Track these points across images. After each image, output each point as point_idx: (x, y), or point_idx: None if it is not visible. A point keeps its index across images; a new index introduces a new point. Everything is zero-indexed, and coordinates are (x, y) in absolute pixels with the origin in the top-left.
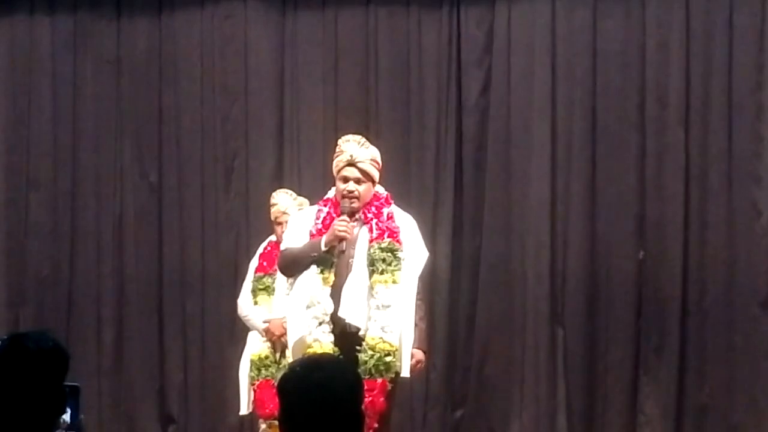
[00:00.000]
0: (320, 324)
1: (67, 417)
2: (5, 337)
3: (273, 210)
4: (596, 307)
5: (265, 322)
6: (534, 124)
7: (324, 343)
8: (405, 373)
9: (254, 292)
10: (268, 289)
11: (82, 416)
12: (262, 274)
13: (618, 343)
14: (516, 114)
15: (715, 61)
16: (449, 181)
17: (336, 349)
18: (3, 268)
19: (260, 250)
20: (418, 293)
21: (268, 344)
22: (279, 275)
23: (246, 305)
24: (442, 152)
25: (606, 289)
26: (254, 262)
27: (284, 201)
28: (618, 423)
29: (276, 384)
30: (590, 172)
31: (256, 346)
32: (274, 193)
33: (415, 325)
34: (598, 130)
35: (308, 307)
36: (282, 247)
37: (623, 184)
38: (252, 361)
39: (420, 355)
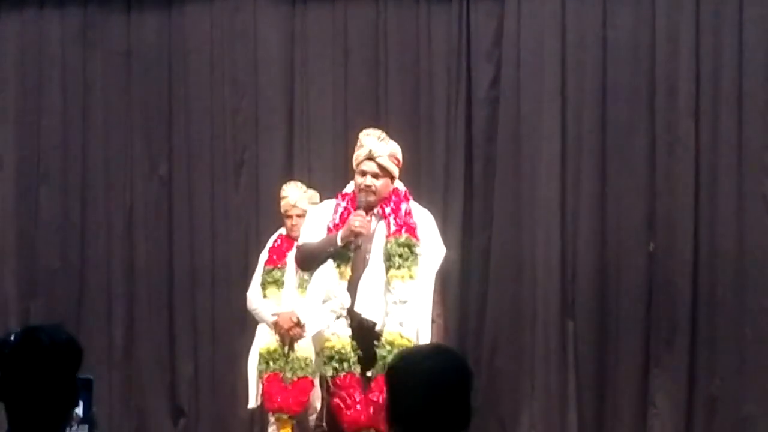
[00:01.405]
0: (338, 318)
1: (79, 410)
2: (19, 330)
3: (283, 203)
4: (606, 300)
5: (273, 315)
6: (544, 116)
7: (342, 336)
8: None
9: (264, 285)
10: (278, 283)
11: (94, 409)
12: (271, 267)
13: (628, 335)
14: (526, 107)
15: (724, 53)
16: (459, 173)
17: (354, 343)
18: (14, 261)
19: (270, 243)
20: (435, 290)
21: (277, 337)
22: (288, 268)
23: (255, 298)
24: (451, 145)
25: (616, 281)
26: (264, 255)
27: (294, 194)
28: (628, 415)
29: (385, 373)
30: (600, 165)
31: (264, 339)
32: (284, 186)
33: (433, 321)
34: (608, 123)
35: (325, 301)
36: (299, 242)
37: (633, 176)
38: (261, 355)
39: None
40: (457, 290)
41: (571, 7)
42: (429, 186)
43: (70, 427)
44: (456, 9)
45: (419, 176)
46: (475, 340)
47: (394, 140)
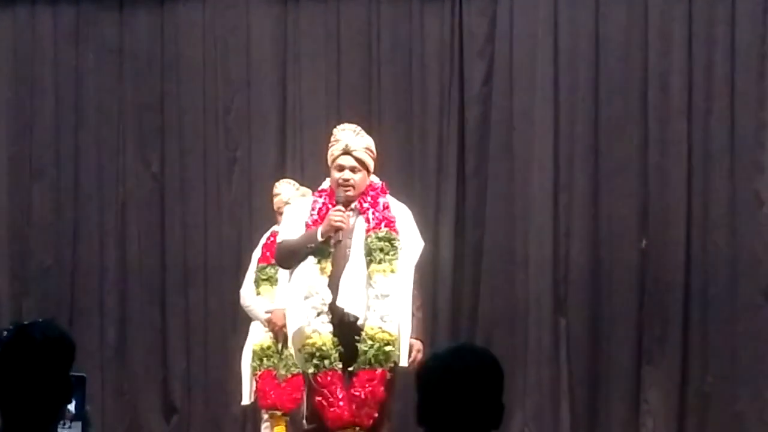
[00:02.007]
0: (319, 314)
1: (72, 407)
2: (11, 326)
3: (276, 200)
4: (599, 297)
5: (267, 312)
6: (536, 113)
7: (323, 333)
8: (403, 362)
9: (257, 282)
10: (271, 280)
11: (87, 407)
12: (264, 264)
13: (621, 332)
14: (518, 103)
15: (717, 50)
16: (452, 170)
17: (335, 339)
18: (6, 259)
19: (263, 240)
20: (414, 283)
21: (271, 334)
22: None
23: (249, 295)
24: (444, 142)
25: (609, 278)
26: (257, 253)
27: (287, 191)
28: (621, 411)
29: (417, 373)
30: (593, 162)
31: (258, 336)
32: (276, 184)
33: (412, 314)
34: (601, 120)
35: (306, 297)
36: (278, 239)
37: (626, 173)
38: (254, 352)
39: (418, 345)
40: (450, 287)
41: (563, 4)
42: (422, 183)
43: (64, 424)
44: (448, 6)
45: (412, 173)
46: (468, 336)
47: (388, 137)
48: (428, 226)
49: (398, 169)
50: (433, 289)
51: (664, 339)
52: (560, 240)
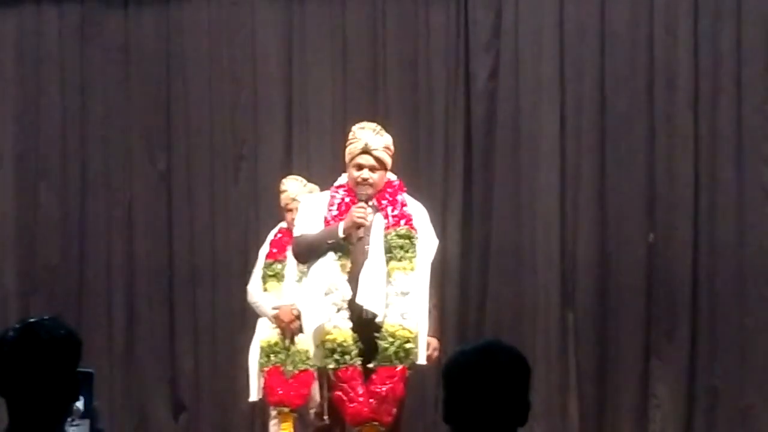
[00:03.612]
0: (339, 310)
1: (80, 404)
2: (17, 324)
3: (283, 196)
4: (607, 291)
5: (274, 308)
6: (543, 108)
7: (343, 329)
8: (422, 360)
9: (264, 278)
10: (278, 276)
11: (95, 403)
12: (272, 260)
13: (629, 326)
14: (524, 98)
15: (723, 43)
16: (458, 166)
17: (355, 335)
18: (13, 258)
19: (270, 236)
20: (430, 281)
21: (278, 331)
22: (289, 262)
23: (256, 292)
24: (450, 137)
25: (616, 272)
26: (265, 249)
27: (294, 188)
28: (629, 406)
29: (443, 369)
30: (599, 156)
31: (265, 333)
32: (284, 180)
33: (429, 312)
34: (607, 114)
35: (326, 294)
36: (296, 233)
37: (633, 167)
38: (261, 348)
39: (435, 342)
40: (458, 282)
41: None
42: (428, 178)
43: (72, 421)
44: (454, 1)
45: (419, 169)
46: (476, 332)
47: (394, 133)
48: (435, 222)
49: (404, 164)
50: (441, 284)
51: (671, 333)
52: (567, 234)
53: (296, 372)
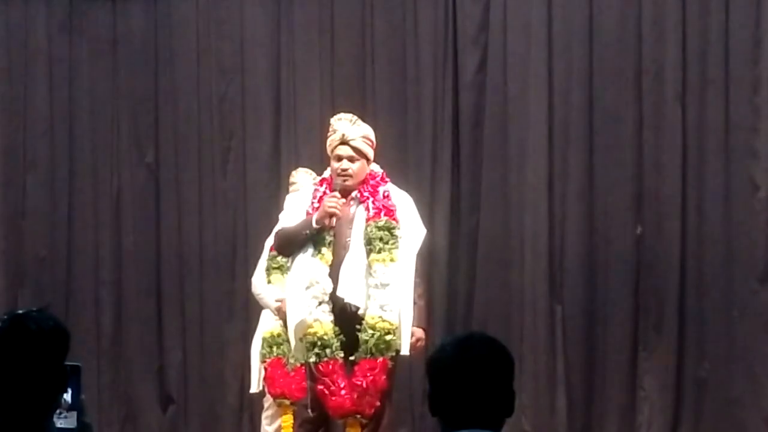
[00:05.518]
0: (320, 304)
1: (68, 397)
2: (5, 316)
3: (291, 189)
4: (594, 283)
5: (277, 300)
6: (531, 101)
7: (324, 322)
8: (405, 351)
9: (268, 270)
10: (282, 268)
11: (83, 396)
12: (276, 252)
13: (616, 318)
14: (513, 91)
15: (711, 35)
16: (446, 158)
17: (336, 328)
18: (1, 251)
19: (276, 228)
20: (416, 271)
21: (281, 322)
22: None
23: (260, 283)
24: (439, 130)
25: (604, 265)
26: (269, 241)
27: (304, 180)
28: (617, 398)
29: (426, 363)
30: (587, 148)
31: (268, 324)
32: (293, 172)
33: (414, 303)
34: (595, 106)
35: (307, 287)
36: (277, 227)
37: (620, 160)
38: (264, 339)
39: (420, 333)
40: (445, 275)
41: None
42: (416, 171)
43: (59, 413)
44: None
45: (407, 162)
46: (464, 324)
47: (382, 126)
48: (423, 214)
49: (392, 156)
50: (429, 276)
51: (659, 325)
52: (555, 227)
53: (297, 365)
